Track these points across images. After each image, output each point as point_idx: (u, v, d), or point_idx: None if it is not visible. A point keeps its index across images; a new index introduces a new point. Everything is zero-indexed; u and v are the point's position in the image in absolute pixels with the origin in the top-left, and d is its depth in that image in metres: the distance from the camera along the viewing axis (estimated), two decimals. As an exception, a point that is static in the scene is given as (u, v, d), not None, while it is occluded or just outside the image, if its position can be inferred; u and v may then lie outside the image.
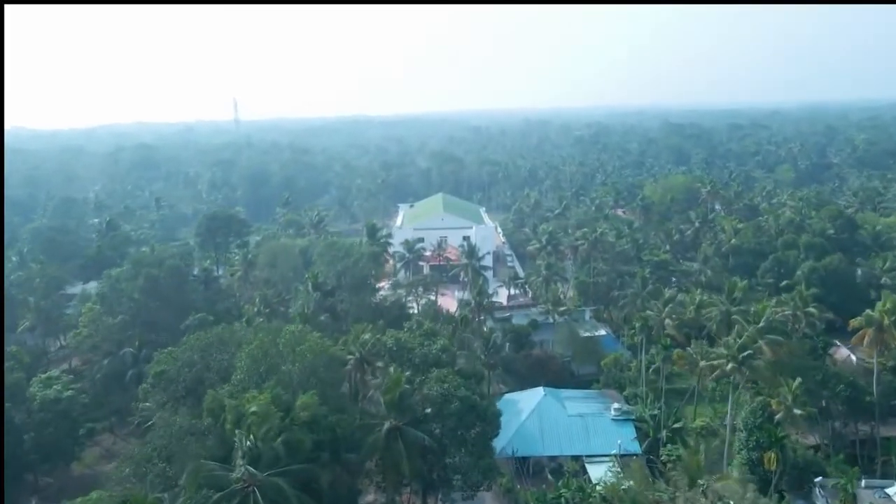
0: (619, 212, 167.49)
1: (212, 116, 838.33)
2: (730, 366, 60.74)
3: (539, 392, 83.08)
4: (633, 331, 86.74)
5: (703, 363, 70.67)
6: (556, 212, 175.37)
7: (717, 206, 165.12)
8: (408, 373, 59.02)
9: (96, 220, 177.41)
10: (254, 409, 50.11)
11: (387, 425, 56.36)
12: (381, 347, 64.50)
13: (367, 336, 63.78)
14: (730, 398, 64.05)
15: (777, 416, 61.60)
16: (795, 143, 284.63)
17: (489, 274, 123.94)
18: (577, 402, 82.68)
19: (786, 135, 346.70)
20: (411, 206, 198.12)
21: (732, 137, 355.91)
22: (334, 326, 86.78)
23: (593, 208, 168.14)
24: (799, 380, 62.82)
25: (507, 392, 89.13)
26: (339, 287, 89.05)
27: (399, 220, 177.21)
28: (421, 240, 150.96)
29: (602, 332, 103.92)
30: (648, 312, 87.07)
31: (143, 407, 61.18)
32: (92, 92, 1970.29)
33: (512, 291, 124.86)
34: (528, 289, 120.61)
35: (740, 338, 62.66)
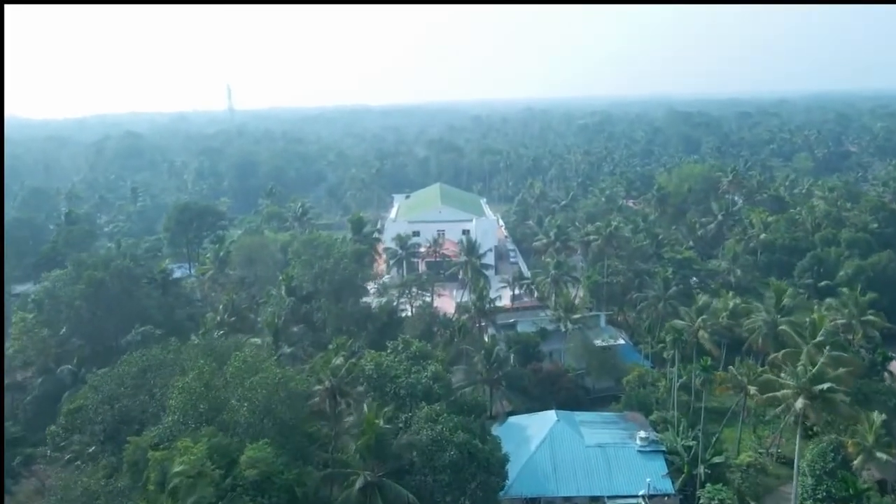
0: (630, 203, 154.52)
1: (208, 106, 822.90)
2: (800, 402, 47.96)
3: (550, 416, 70.53)
4: (662, 344, 74.06)
5: (752, 390, 58.12)
6: (563, 203, 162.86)
7: (737, 198, 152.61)
8: (387, 409, 46.41)
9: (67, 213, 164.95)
10: (180, 468, 37.60)
11: (361, 479, 43.88)
12: (358, 373, 51.82)
13: (339, 360, 50.95)
14: (797, 441, 51.15)
15: (854, 463, 48.99)
16: (811, 130, 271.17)
17: (491, 272, 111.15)
18: (595, 429, 70.13)
19: (796, 123, 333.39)
20: (407, 197, 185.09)
21: (742, 126, 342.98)
22: (312, 338, 74.37)
23: (603, 199, 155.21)
24: (882, 416, 50.18)
25: (511, 413, 76.71)
26: (317, 291, 76.33)
27: (393, 213, 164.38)
28: (416, 234, 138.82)
29: (620, 341, 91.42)
30: (678, 322, 74.44)
31: (52, 456, 48.51)
32: (87, 81, 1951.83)
33: (516, 291, 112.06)
34: (534, 289, 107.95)
35: (813, 365, 49.66)
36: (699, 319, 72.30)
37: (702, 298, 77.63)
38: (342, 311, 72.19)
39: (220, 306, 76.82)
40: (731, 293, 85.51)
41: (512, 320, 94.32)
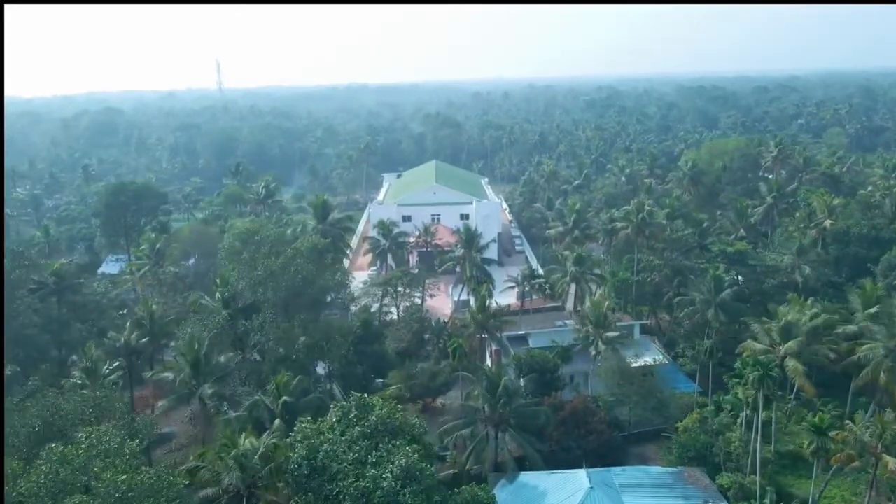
0: (650, 182, 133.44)
1: (203, 84, 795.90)
2: None
3: (580, 480, 50.58)
4: (736, 381, 53.79)
5: (892, 463, 38.07)
6: (576, 183, 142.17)
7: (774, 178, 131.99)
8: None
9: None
10: None
11: None
12: (282, 460, 31.57)
13: (248, 443, 30.71)
14: None
15: None
16: (841, 104, 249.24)
17: (494, 267, 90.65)
18: (643, 498, 50.22)
19: (818, 98, 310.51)
20: (399, 176, 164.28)
21: (760, 100, 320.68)
22: (251, 371, 54.13)
23: (623, 178, 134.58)
24: None
25: (521, 461, 56.86)
26: (261, 302, 55.86)
27: (381, 194, 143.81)
28: (407, 219, 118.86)
29: (662, 358, 71.38)
30: (755, 345, 54.19)
31: None
32: (82, 60, 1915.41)
33: (526, 288, 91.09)
34: (547, 287, 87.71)
35: None
36: (789, 343, 52.01)
37: (786, 311, 56.97)
38: (289, 333, 51.71)
39: (129, 323, 56.55)
40: (809, 300, 65.04)
41: (522, 332, 74.06)
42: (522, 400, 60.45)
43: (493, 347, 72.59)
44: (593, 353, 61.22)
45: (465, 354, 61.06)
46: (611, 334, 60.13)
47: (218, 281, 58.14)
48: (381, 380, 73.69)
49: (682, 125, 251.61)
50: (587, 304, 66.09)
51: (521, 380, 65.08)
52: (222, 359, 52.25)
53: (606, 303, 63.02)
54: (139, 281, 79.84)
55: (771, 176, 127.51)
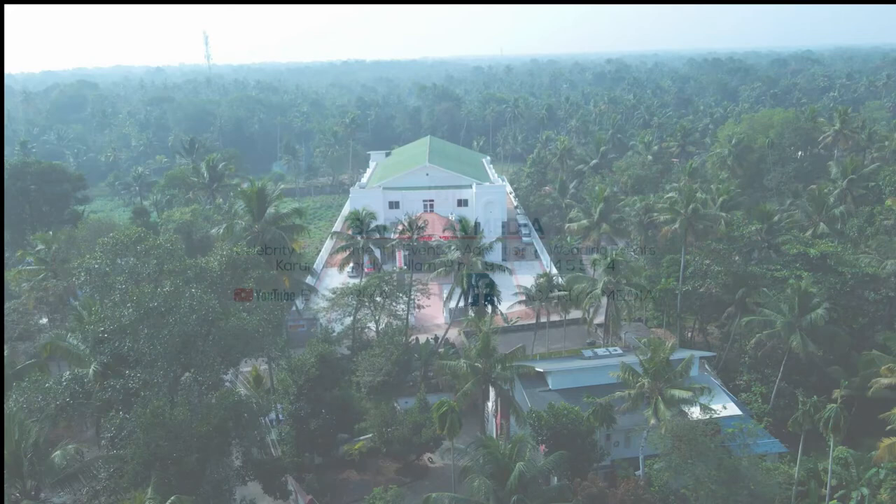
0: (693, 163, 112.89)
1: (196, 61, 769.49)
2: None
3: None
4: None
5: None
6: (593, 162, 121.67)
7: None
8: None
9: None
10: None
11: None
12: None
13: None
14: None
15: None
16: (878, 76, 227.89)
17: (499, 276, 69.99)
18: None
19: (840, 71, 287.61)
20: (387, 154, 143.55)
21: (782, 73, 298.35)
22: (116, 469, 34.17)
23: (650, 157, 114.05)
24: None
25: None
26: (140, 356, 35.48)
27: (366, 177, 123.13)
28: (395, 205, 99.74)
29: (734, 407, 51.61)
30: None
31: None
32: (73, 36, 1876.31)
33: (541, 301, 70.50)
34: (565, 298, 67.69)
35: None
36: None
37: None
38: (160, 416, 31.28)
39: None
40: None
41: (539, 368, 54.10)
42: (542, 477, 41.03)
43: (495, 395, 52.56)
44: (650, 418, 41.09)
45: (460, 422, 41.07)
46: (679, 393, 39.96)
47: (80, 309, 38.19)
48: (346, 434, 54.60)
49: (702, 99, 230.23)
50: (642, 340, 46.02)
51: (541, 447, 45.56)
52: (70, 448, 32.42)
53: (671, 342, 42.79)
54: (28, 295, 59.79)
55: (834, 154, 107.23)
